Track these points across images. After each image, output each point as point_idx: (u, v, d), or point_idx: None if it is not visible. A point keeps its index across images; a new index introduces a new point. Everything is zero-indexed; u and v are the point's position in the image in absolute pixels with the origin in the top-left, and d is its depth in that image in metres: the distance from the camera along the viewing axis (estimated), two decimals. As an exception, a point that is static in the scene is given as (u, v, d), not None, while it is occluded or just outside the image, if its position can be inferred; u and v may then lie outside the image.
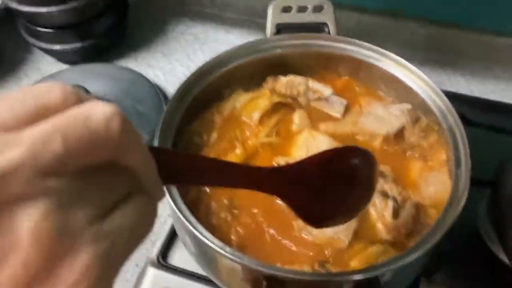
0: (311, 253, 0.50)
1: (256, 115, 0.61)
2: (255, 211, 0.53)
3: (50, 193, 0.19)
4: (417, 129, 0.59)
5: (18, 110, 0.19)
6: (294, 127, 0.62)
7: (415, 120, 0.60)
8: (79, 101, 0.21)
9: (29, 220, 0.18)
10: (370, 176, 0.41)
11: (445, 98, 0.56)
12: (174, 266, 0.64)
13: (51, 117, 0.19)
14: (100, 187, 0.21)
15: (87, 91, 0.81)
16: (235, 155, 0.58)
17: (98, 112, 0.20)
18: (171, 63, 0.97)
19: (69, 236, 0.19)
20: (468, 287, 0.61)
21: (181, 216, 0.45)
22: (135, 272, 0.66)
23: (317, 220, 0.39)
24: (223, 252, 0.42)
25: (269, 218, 0.53)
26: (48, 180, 0.18)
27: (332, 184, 0.39)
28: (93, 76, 0.90)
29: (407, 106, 0.62)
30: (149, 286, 0.63)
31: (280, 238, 0.51)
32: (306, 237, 0.51)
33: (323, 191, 0.38)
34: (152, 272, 0.64)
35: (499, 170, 0.60)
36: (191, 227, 0.44)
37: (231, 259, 0.42)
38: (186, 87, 0.58)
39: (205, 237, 0.44)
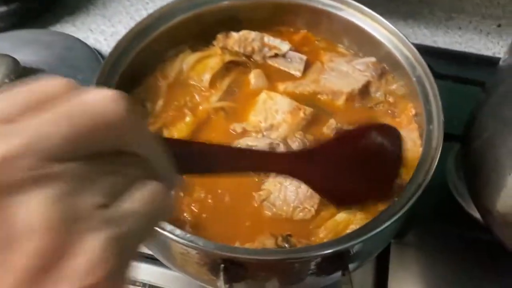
0: (274, 227, 0.45)
1: (206, 77, 0.54)
2: (211, 183, 0.48)
3: (56, 178, 0.18)
4: (383, 83, 0.55)
5: (18, 103, 0.19)
6: (250, 89, 0.55)
7: (381, 74, 0.55)
8: (78, 89, 0.20)
9: (36, 205, 0.17)
10: (396, 152, 0.41)
11: (412, 47, 0.51)
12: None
13: (51, 107, 0.19)
14: (109, 173, 0.20)
15: (16, 61, 0.71)
16: (185, 124, 0.51)
17: (97, 96, 0.20)
18: (114, 26, 0.87)
19: (79, 220, 0.18)
20: (440, 246, 0.59)
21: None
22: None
23: (339, 199, 0.40)
24: (172, 236, 0.37)
25: (226, 190, 0.47)
26: (53, 166, 0.18)
27: (354, 163, 0.39)
28: (23, 44, 0.79)
29: (372, 59, 0.56)
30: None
31: (239, 212, 0.46)
32: (268, 208, 0.46)
33: (345, 170, 0.38)
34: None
35: (468, 123, 0.56)
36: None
37: (182, 243, 0.36)
38: (122, 49, 0.50)
39: (150, 219, 0.38)
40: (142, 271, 0.56)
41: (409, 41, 0.52)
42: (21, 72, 0.73)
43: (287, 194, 0.47)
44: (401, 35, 0.52)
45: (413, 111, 0.52)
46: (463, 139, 0.57)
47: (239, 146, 0.49)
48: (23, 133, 0.18)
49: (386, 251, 0.57)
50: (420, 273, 0.58)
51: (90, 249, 0.18)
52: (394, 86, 0.54)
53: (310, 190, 0.46)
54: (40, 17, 0.86)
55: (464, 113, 0.58)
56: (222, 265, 0.37)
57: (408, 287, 0.57)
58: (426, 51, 0.75)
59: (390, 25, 0.53)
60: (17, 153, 0.17)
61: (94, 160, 0.20)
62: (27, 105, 0.19)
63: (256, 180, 0.48)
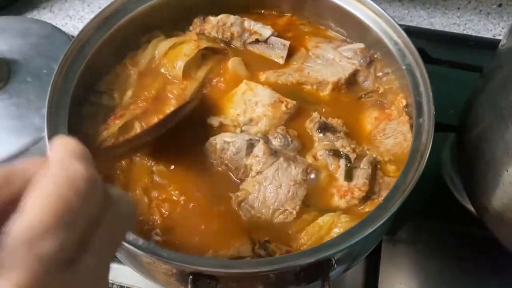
0: (252, 230, 0.42)
1: (179, 64, 0.49)
2: (184, 183, 0.44)
3: None
4: (372, 72, 0.50)
5: None
6: (228, 78, 0.51)
7: (370, 61, 0.51)
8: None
9: None
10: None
11: (403, 32, 0.47)
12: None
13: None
14: None
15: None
16: (158, 118, 0.48)
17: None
18: (94, 11, 0.83)
19: None
20: (435, 242, 0.56)
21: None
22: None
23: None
24: (132, 248, 0.33)
25: (200, 191, 0.44)
26: None
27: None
28: (-4, 32, 0.75)
29: (360, 45, 0.52)
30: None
31: (214, 214, 0.43)
32: (246, 211, 0.43)
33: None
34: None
35: (464, 112, 0.52)
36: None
37: (143, 256, 0.33)
38: (88, 34, 0.46)
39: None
40: (123, 273, 0.53)
41: (398, 24, 0.48)
42: (-9, 63, 0.69)
43: (266, 194, 0.43)
44: (389, 18, 0.48)
45: (404, 102, 0.47)
46: (458, 129, 0.53)
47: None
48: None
49: (377, 248, 0.53)
50: (413, 271, 0.55)
51: None
52: (383, 74, 0.50)
53: (292, 191, 0.43)
54: (15, 3, 0.82)
55: (460, 101, 0.54)
56: (191, 277, 0.34)
57: (400, 287, 0.54)
58: (422, 34, 0.72)
59: (378, 8, 0.48)
60: None
61: None
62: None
63: (234, 179, 0.45)
